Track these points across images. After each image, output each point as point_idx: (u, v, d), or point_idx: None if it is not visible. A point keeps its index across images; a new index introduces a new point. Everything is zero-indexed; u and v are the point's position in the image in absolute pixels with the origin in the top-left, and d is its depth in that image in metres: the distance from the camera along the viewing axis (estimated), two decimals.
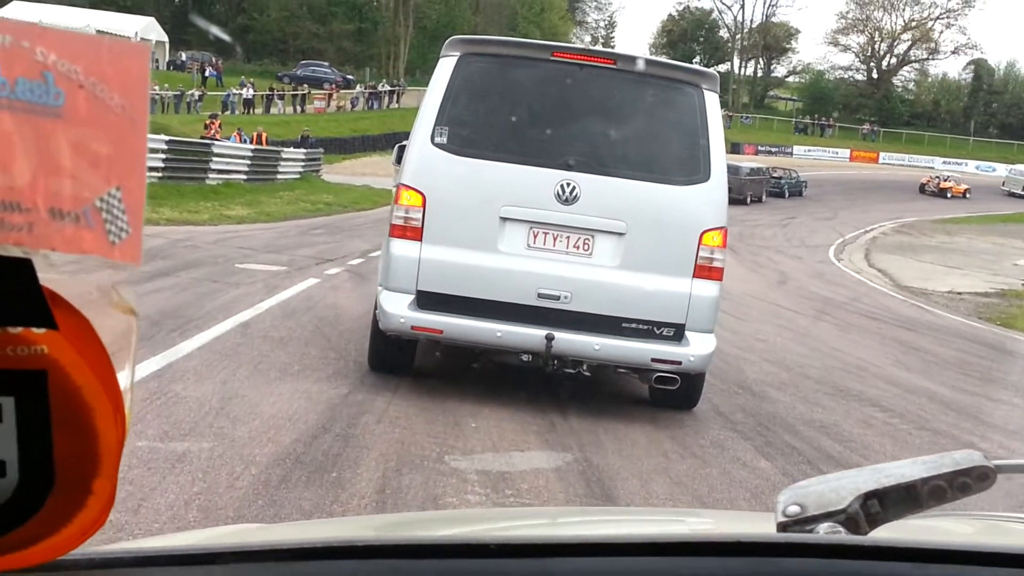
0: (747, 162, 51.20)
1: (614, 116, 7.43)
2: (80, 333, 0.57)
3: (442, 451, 6.12)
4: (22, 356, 0.56)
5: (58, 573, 0.72)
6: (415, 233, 7.12)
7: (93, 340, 0.58)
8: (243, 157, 32.14)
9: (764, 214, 41.01)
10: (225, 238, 18.24)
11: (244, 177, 31.12)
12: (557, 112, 7.31)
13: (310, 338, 9.13)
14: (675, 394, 7.57)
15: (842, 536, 0.93)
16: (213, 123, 36.12)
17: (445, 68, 7.35)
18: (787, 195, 49.92)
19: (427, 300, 7.14)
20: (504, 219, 7.17)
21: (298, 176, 35.71)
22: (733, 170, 44.10)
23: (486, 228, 7.14)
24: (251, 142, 35.96)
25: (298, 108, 57.13)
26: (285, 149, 37.60)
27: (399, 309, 7.13)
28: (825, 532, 0.94)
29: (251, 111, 52.93)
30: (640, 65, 7.49)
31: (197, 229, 19.57)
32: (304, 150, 39.09)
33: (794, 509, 0.97)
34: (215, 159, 29.67)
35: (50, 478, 0.59)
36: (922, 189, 60.23)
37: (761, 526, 1.11)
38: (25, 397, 0.57)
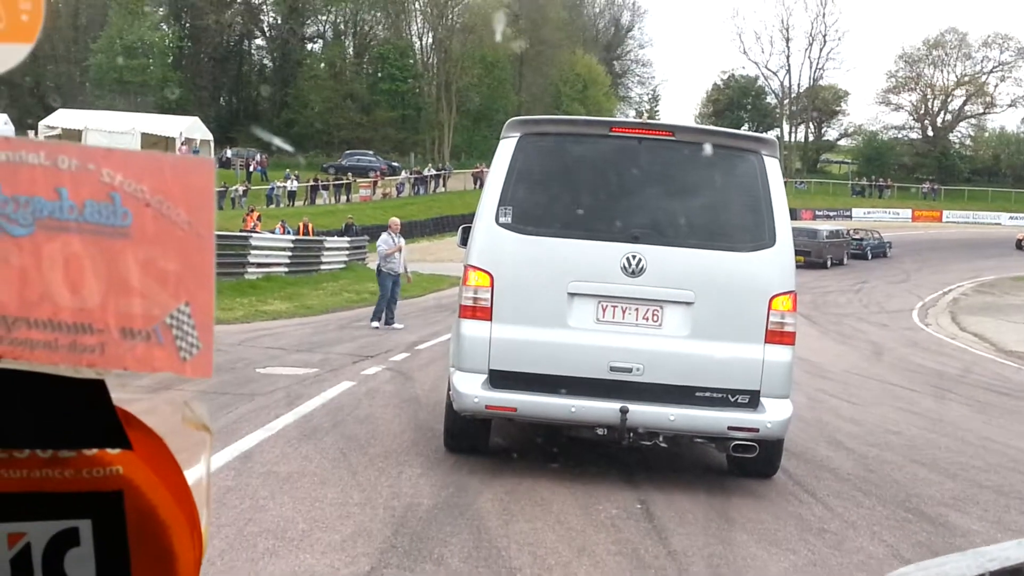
0: (825, 225, 51.24)
1: (676, 186, 7.49)
2: (154, 452, 0.58)
3: None
4: (98, 478, 0.57)
5: None
6: (484, 313, 7.14)
7: (167, 458, 0.59)
8: (284, 249, 30.54)
9: (833, 279, 38.80)
10: (253, 337, 16.22)
11: (285, 270, 29.46)
12: (619, 186, 7.37)
13: (329, 471, 6.94)
14: (754, 462, 7.44)
15: None
16: (251, 216, 34.57)
17: (506, 149, 7.38)
18: (870, 256, 49.09)
19: (500, 379, 7.13)
20: (572, 294, 7.17)
21: (343, 266, 34.02)
22: (811, 234, 44.46)
23: (555, 304, 7.14)
24: (298, 233, 34.44)
25: (343, 198, 55.85)
26: (328, 238, 36.06)
27: (473, 389, 7.11)
28: None
29: (294, 203, 51.72)
30: (698, 135, 7.69)
31: (225, 328, 17.57)
32: (348, 238, 37.48)
33: None
34: (253, 252, 27.99)
35: None
36: (1019, 245, 57.78)
37: None
38: (102, 519, 0.58)
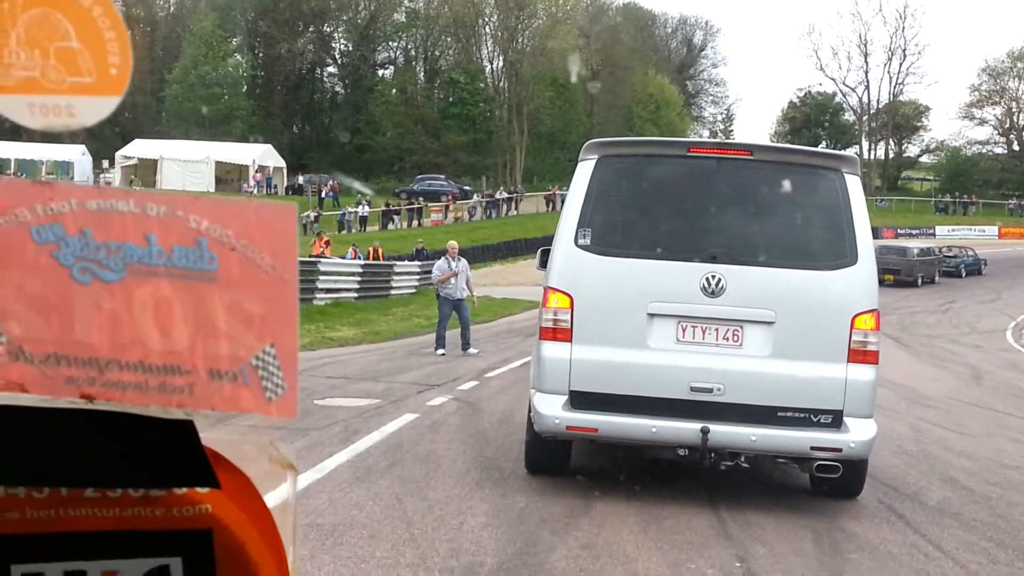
0: (915, 243, 50.67)
1: (755, 205, 7.42)
2: (242, 490, 0.61)
3: None
4: (187, 516, 0.59)
5: None
6: (565, 334, 7.14)
7: (255, 497, 0.62)
8: (353, 274, 30.11)
9: (919, 299, 37.26)
10: (317, 365, 15.55)
11: (355, 295, 29.01)
12: (697, 206, 7.37)
13: (380, 522, 6.13)
14: (837, 483, 7.31)
15: None
16: (319, 240, 34.21)
17: (584, 171, 7.38)
18: (963, 275, 48.24)
19: (580, 400, 7.13)
20: (652, 315, 7.14)
21: (413, 290, 33.47)
22: (901, 252, 43.55)
23: (634, 325, 7.10)
24: (368, 258, 34.03)
25: (415, 222, 55.51)
26: (398, 263, 35.56)
27: (554, 410, 7.12)
28: None
29: (366, 228, 51.50)
30: (777, 153, 7.74)
31: None
32: (419, 263, 36.96)
33: None
34: (322, 278, 27.56)
35: None
36: None
37: None
38: (192, 557, 0.60)
